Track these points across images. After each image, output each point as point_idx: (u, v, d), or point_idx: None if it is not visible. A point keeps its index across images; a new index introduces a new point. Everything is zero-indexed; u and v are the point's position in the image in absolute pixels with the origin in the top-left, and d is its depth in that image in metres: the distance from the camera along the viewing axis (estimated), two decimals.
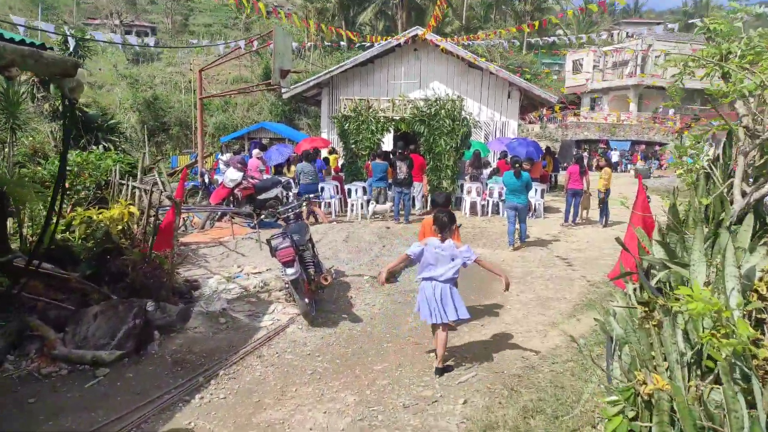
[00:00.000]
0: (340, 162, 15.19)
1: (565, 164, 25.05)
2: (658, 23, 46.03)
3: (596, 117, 34.40)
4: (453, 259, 4.56)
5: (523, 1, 42.89)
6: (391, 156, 12.92)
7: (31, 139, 11.32)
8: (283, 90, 18.81)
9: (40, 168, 8.98)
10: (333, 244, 8.19)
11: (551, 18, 11.85)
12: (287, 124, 29.56)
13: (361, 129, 14.20)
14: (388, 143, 16.32)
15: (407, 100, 14.50)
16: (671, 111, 35.11)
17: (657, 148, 32.31)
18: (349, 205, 12.89)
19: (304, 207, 11.56)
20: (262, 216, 8.04)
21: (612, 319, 3.24)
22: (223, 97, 35.28)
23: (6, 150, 8.57)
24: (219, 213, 10.46)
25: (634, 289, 3.31)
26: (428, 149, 13.85)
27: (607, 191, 12.52)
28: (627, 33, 39.10)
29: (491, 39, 15.18)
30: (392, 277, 7.40)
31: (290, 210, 6.53)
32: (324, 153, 17.52)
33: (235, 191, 10.40)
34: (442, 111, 13.65)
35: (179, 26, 52.94)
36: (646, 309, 2.79)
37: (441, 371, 4.63)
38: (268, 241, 5.60)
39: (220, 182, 10.67)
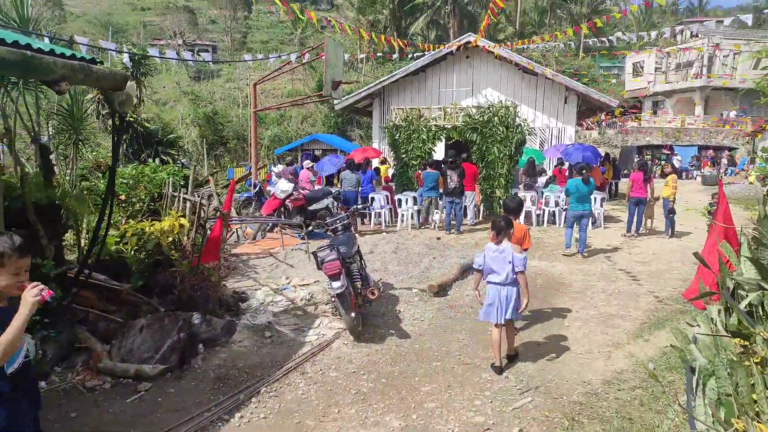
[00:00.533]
0: (391, 172, 14.99)
1: (625, 171, 23.90)
2: (721, 21, 43.53)
3: (659, 121, 32.73)
4: (509, 262, 4.64)
5: (579, 3, 41.58)
6: (442, 165, 12.61)
7: (95, 153, 11.78)
8: (335, 101, 18.94)
9: (99, 182, 9.26)
10: (382, 255, 7.95)
11: (614, 14, 11.21)
12: (340, 135, 29.82)
13: (412, 138, 13.96)
14: (440, 153, 16.02)
15: (459, 107, 14.17)
16: (732, 113, 32.94)
17: (726, 152, 30.34)
18: (399, 216, 12.65)
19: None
20: (311, 227, 7.94)
21: (693, 347, 2.81)
22: (278, 111, 36.11)
23: (70, 164, 8.89)
24: (270, 224, 10.45)
25: (719, 312, 2.86)
26: (481, 157, 13.44)
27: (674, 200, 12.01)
28: (691, 32, 37.20)
29: (546, 42, 14.62)
30: (442, 290, 7.09)
31: (338, 221, 6.35)
32: (375, 163, 17.49)
33: (286, 202, 10.38)
34: (495, 118, 13.22)
35: (238, 44, 54.70)
36: (745, 342, 2.37)
37: (499, 370, 4.76)
38: (315, 254, 5.43)
39: (272, 193, 10.69)
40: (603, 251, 10.04)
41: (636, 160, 17.63)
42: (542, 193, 13.31)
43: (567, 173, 14.57)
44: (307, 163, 13.37)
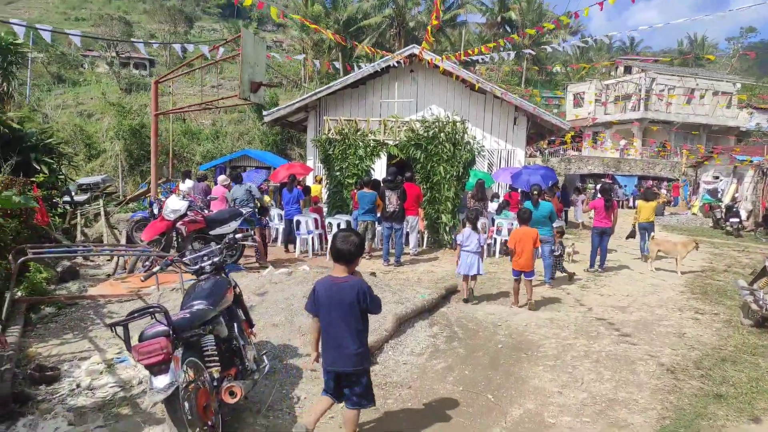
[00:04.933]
0: (325, 193, 12.72)
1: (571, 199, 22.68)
2: (656, 60, 44.53)
3: (607, 148, 32.08)
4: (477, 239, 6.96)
5: (522, 37, 41.29)
6: (382, 185, 10.50)
7: None
8: (264, 114, 16.58)
9: None
10: (290, 302, 5.62)
11: (547, 24, 9.93)
12: (279, 153, 27.34)
13: (347, 154, 11.79)
14: (380, 171, 13.93)
15: (401, 121, 12.16)
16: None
17: (664, 183, 29.97)
18: (329, 242, 10.35)
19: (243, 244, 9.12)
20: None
21: None
22: (213, 126, 33.22)
23: None
24: (152, 257, 7.80)
25: None
26: (425, 178, 11.42)
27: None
28: (625, 68, 37.41)
29: (492, 53, 12.99)
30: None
31: (206, 257, 3.99)
32: (309, 181, 15.17)
33: (178, 225, 7.88)
34: (442, 134, 11.28)
35: (177, 59, 51.35)
36: None
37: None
38: (118, 325, 2.93)
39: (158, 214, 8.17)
40: (568, 292, 8.12)
41: (602, 183, 16.10)
42: (493, 219, 11.40)
43: (519, 198, 12.79)
44: (222, 179, 10.89)
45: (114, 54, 47.07)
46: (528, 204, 8.74)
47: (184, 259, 4.04)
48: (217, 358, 3.22)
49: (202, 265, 3.98)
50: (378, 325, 5.39)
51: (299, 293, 5.75)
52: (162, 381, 2.70)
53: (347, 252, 3.16)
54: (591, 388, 4.43)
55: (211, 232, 8.41)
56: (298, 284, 6.01)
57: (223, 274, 4.07)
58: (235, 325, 3.79)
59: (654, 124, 32.39)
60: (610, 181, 29.81)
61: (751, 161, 17.99)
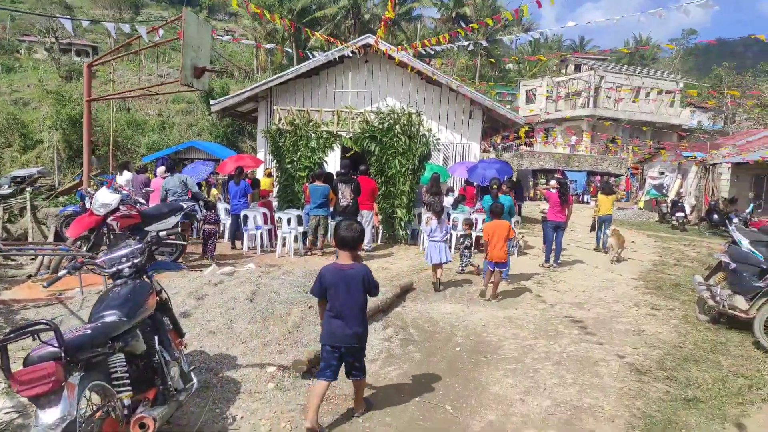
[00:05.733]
0: (276, 186, 12.10)
1: (525, 195, 22.89)
2: (604, 59, 45.73)
3: (558, 144, 32.59)
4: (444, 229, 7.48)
5: (475, 32, 41.47)
6: (335, 178, 10.02)
7: None
8: (212, 103, 15.72)
9: None
10: (230, 305, 5.07)
11: (506, 14, 9.78)
12: (229, 146, 26.26)
13: (299, 146, 11.24)
14: (333, 164, 13.42)
15: (355, 112, 11.68)
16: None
17: (612, 179, 30.75)
18: (279, 239, 9.81)
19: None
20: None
21: None
22: (159, 116, 31.70)
23: None
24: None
25: None
26: (380, 171, 11.01)
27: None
28: (575, 66, 38.19)
29: (448, 44, 12.67)
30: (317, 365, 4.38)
31: (123, 258, 3.42)
32: (260, 174, 14.48)
33: (109, 220, 7.14)
34: (397, 126, 10.89)
35: (122, 47, 48.85)
36: None
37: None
38: (2, 344, 2.35)
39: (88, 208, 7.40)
40: (524, 287, 7.90)
41: (557, 177, 16.09)
42: (449, 215, 11.10)
43: (475, 192, 12.58)
44: (161, 170, 10.10)
45: (53, 39, 44.22)
46: (487, 198, 8.50)
47: (97, 260, 3.46)
48: (127, 381, 2.68)
49: (120, 267, 3.41)
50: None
51: (241, 296, 5.22)
52: (50, 415, 2.17)
53: (351, 239, 3.49)
54: (554, 394, 4.14)
55: (148, 228, 7.71)
56: (239, 285, 5.47)
57: (145, 278, 3.52)
58: (157, 337, 3.24)
59: (603, 120, 33.19)
60: (561, 176, 30.38)
61: (695, 157, 18.52)
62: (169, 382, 3.08)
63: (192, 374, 3.38)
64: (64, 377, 2.25)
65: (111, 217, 7.20)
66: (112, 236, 7.36)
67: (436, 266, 7.43)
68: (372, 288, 3.52)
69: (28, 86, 38.08)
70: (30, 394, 2.14)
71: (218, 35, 24.60)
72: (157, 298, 3.61)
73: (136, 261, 3.45)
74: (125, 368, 2.70)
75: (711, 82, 32.55)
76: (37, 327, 2.37)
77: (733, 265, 5.86)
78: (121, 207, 7.26)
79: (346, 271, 3.45)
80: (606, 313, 6.58)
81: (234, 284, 5.49)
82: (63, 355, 2.28)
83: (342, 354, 3.49)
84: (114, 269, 3.41)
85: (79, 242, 7.01)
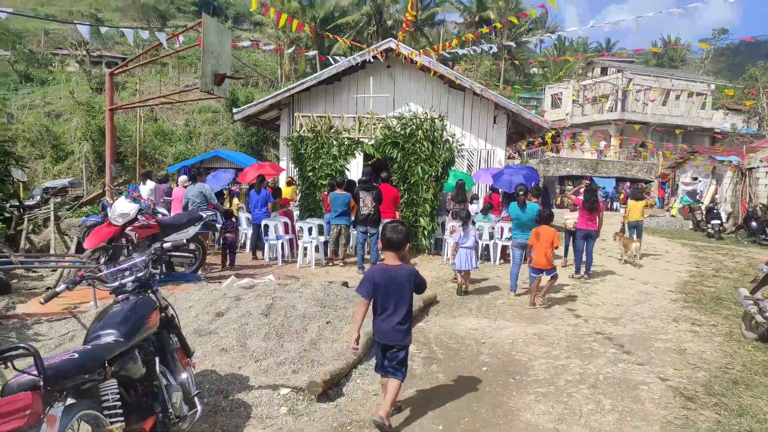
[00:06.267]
0: (298, 195, 11.94)
1: (553, 202, 22.29)
2: (631, 62, 44.68)
3: (587, 149, 31.77)
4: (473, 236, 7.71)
5: (500, 36, 40.99)
6: (356, 186, 9.78)
7: None
8: (234, 111, 15.71)
9: None
10: (244, 320, 4.84)
11: (531, 10, 9.49)
12: (254, 155, 26.38)
13: (320, 153, 11.05)
14: (355, 172, 13.21)
15: (377, 118, 11.44)
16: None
17: (642, 185, 29.85)
18: (300, 249, 9.61)
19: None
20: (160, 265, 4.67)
21: None
22: (186, 126, 32.09)
23: None
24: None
25: None
26: (402, 178, 10.73)
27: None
28: (601, 68, 37.34)
29: (472, 47, 12.39)
30: (333, 386, 4.10)
31: (127, 272, 3.21)
32: (282, 183, 14.36)
33: (127, 230, 7.03)
34: (420, 132, 10.62)
35: (151, 56, 49.82)
36: None
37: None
38: None
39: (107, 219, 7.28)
40: (556, 300, 7.51)
41: (587, 183, 15.61)
42: (474, 222, 10.75)
43: (501, 199, 12.20)
44: (183, 179, 10.01)
45: (84, 52, 45.37)
46: (513, 205, 8.14)
47: (100, 273, 3.26)
48: (120, 411, 2.45)
49: (123, 281, 3.20)
50: (345, 347, 4.66)
51: (256, 311, 4.98)
52: None
53: (396, 241, 3.58)
54: (592, 423, 3.77)
55: (167, 239, 7.58)
56: (255, 299, 5.24)
57: (149, 293, 3.31)
58: (158, 359, 3.01)
59: (631, 124, 32.31)
60: (589, 182, 29.63)
61: (731, 162, 17.74)
62: (170, 410, 2.85)
63: (196, 399, 3.13)
64: (43, 409, 2.02)
65: (129, 228, 7.08)
66: (130, 247, 7.24)
67: (461, 272, 7.61)
68: (420, 286, 3.65)
69: (61, 98, 39.08)
70: (4, 430, 1.92)
71: (240, 42, 24.83)
72: (163, 314, 3.40)
73: (139, 275, 3.25)
74: (117, 396, 2.46)
75: (745, 83, 31.32)
76: (13, 352, 2.15)
77: None
78: (139, 217, 7.14)
79: (395, 272, 3.55)
80: (643, 329, 6.15)
81: (249, 298, 5.26)
82: (42, 384, 2.06)
83: (385, 349, 3.57)
84: (116, 283, 3.21)
85: (97, 253, 6.90)
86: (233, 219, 9.56)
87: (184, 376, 3.33)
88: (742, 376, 4.64)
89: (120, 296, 3.13)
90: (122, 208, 6.98)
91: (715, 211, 17.03)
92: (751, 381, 4.53)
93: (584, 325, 6.24)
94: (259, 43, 52.87)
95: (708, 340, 5.77)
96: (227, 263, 9.02)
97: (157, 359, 2.92)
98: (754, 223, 15.50)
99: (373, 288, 3.50)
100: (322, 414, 3.70)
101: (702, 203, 18.95)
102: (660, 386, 4.43)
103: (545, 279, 7.13)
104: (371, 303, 3.54)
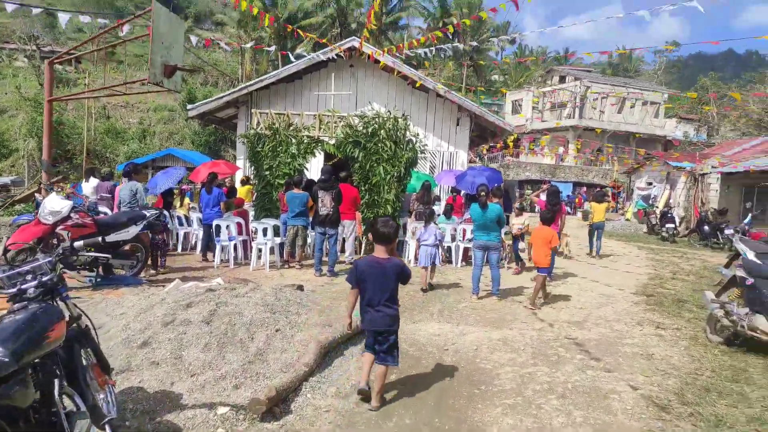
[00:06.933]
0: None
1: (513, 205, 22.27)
2: (589, 71, 45.74)
3: (546, 153, 32.14)
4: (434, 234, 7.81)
5: (463, 42, 41.23)
6: (315, 185, 9.29)
7: None
8: (189, 108, 14.97)
9: None
10: (182, 328, 4.28)
11: (482, 14, 9.36)
12: (211, 155, 25.41)
13: (278, 151, 10.51)
14: (317, 172, 12.71)
15: (338, 116, 11.00)
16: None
17: (597, 189, 30.44)
18: (253, 251, 9.06)
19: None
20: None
21: None
22: (140, 124, 30.75)
23: None
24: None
25: None
26: (364, 179, 10.31)
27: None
28: (560, 77, 38.03)
29: (433, 46, 12.12)
30: (280, 403, 3.63)
31: (30, 276, 2.68)
32: (237, 182, 13.70)
33: (58, 229, 6.34)
34: (382, 131, 10.22)
35: (107, 55, 47.80)
36: None
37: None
38: None
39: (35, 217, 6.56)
40: (517, 302, 7.26)
41: (544, 185, 15.62)
42: (436, 223, 10.43)
43: (463, 201, 11.96)
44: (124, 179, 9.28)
45: (34, 47, 42.99)
46: (474, 206, 7.84)
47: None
48: None
49: (24, 287, 2.66)
50: (296, 358, 4.20)
51: (197, 318, 4.45)
52: None
53: (387, 234, 3.83)
54: None
55: (106, 238, 6.92)
56: (197, 305, 4.70)
57: (58, 300, 2.78)
58: (65, 380, 2.49)
59: (588, 131, 32.95)
60: (547, 186, 29.96)
61: (684, 168, 18.13)
62: None
63: (107, 428, 2.61)
64: None
65: (61, 227, 6.40)
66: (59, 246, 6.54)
67: (426, 269, 7.72)
68: (406, 277, 3.85)
69: (6, 94, 36.87)
70: None
71: (204, 45, 23.91)
72: (74, 326, 2.88)
73: (44, 279, 2.71)
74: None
75: (696, 93, 32.49)
76: None
77: (750, 280, 5.24)
78: (73, 215, 6.46)
79: (384, 264, 3.74)
80: (609, 333, 5.93)
81: (191, 303, 4.72)
82: None
83: (374, 336, 3.79)
84: (15, 289, 2.66)
85: (23, 255, 6.19)
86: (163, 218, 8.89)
87: (101, 397, 2.82)
88: (713, 383, 4.42)
89: (17, 305, 2.59)
90: (53, 205, 6.30)
91: (669, 215, 17.35)
92: (723, 388, 4.31)
93: (549, 330, 5.97)
94: (221, 42, 51.64)
95: (674, 344, 5.58)
96: (158, 265, 8.30)
97: (56, 381, 2.39)
98: (706, 227, 15.82)
99: (358, 277, 3.73)
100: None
101: (656, 207, 19.31)
102: (631, 395, 4.15)
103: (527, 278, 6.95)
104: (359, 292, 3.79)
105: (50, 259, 2.79)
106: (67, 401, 2.56)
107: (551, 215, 7.45)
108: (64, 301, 2.82)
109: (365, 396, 3.80)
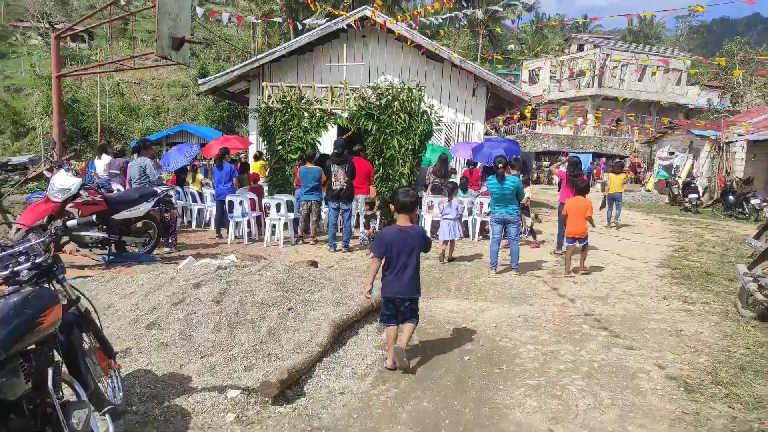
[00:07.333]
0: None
1: (530, 177, 21.86)
2: (608, 38, 44.25)
3: (566, 124, 31.29)
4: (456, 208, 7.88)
5: (479, 6, 40.02)
6: (328, 159, 9.06)
7: None
8: (200, 83, 14.74)
9: None
10: (192, 308, 4.15)
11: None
12: (226, 131, 25.26)
13: (290, 125, 10.28)
14: (328, 145, 12.46)
15: (351, 88, 10.67)
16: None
17: (616, 160, 29.70)
18: (267, 227, 8.92)
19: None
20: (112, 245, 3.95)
21: None
22: (154, 101, 30.66)
23: None
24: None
25: None
26: (377, 152, 10.04)
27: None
28: (578, 45, 36.86)
29: (448, 13, 11.63)
30: (292, 386, 3.48)
31: (23, 257, 2.52)
32: (250, 158, 13.55)
33: (67, 207, 6.23)
34: (396, 103, 9.90)
35: (118, 32, 47.52)
36: None
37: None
38: None
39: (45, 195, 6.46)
40: (536, 277, 7.03)
41: (565, 156, 15.23)
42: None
43: (480, 174, 11.65)
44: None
45: (47, 25, 42.89)
46: (491, 179, 7.54)
47: None
48: None
49: (17, 269, 2.50)
50: (309, 337, 4.04)
51: (207, 297, 4.31)
52: None
53: (409, 203, 3.94)
54: (590, 422, 3.24)
55: (116, 216, 6.82)
56: (207, 283, 4.55)
57: (54, 283, 2.62)
58: (64, 365, 2.35)
59: (608, 100, 32.01)
60: (567, 157, 29.28)
61: (709, 136, 17.46)
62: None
63: (108, 417, 2.47)
64: None
65: (71, 204, 6.29)
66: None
67: (447, 242, 7.82)
68: (428, 245, 4.02)
69: (21, 72, 36.98)
70: None
71: (218, 19, 23.44)
72: (73, 309, 2.73)
73: (38, 260, 2.54)
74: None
75: (723, 58, 31.23)
76: None
77: None
78: (82, 192, 6.34)
79: (408, 232, 3.89)
80: (634, 309, 5.68)
81: (201, 281, 4.57)
82: None
83: (397, 303, 3.91)
84: (8, 272, 2.50)
85: (32, 233, 6.10)
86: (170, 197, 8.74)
87: (104, 383, 2.68)
88: (748, 361, 4.18)
89: (10, 288, 2.43)
90: (61, 182, 6.17)
91: (692, 185, 16.80)
92: (760, 366, 4.06)
93: (571, 306, 5.74)
94: (231, 16, 50.92)
95: (703, 320, 5.32)
96: (171, 243, 8.18)
97: (50, 370, 2.24)
98: (731, 197, 15.29)
99: (386, 248, 3.82)
100: (277, 420, 3.09)
101: (679, 177, 18.72)
102: (660, 374, 3.93)
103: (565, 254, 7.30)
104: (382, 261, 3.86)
105: (43, 239, 2.62)
106: (67, 390, 2.42)
107: (586, 185, 7.50)
108: (60, 284, 2.66)
109: (402, 367, 3.84)
